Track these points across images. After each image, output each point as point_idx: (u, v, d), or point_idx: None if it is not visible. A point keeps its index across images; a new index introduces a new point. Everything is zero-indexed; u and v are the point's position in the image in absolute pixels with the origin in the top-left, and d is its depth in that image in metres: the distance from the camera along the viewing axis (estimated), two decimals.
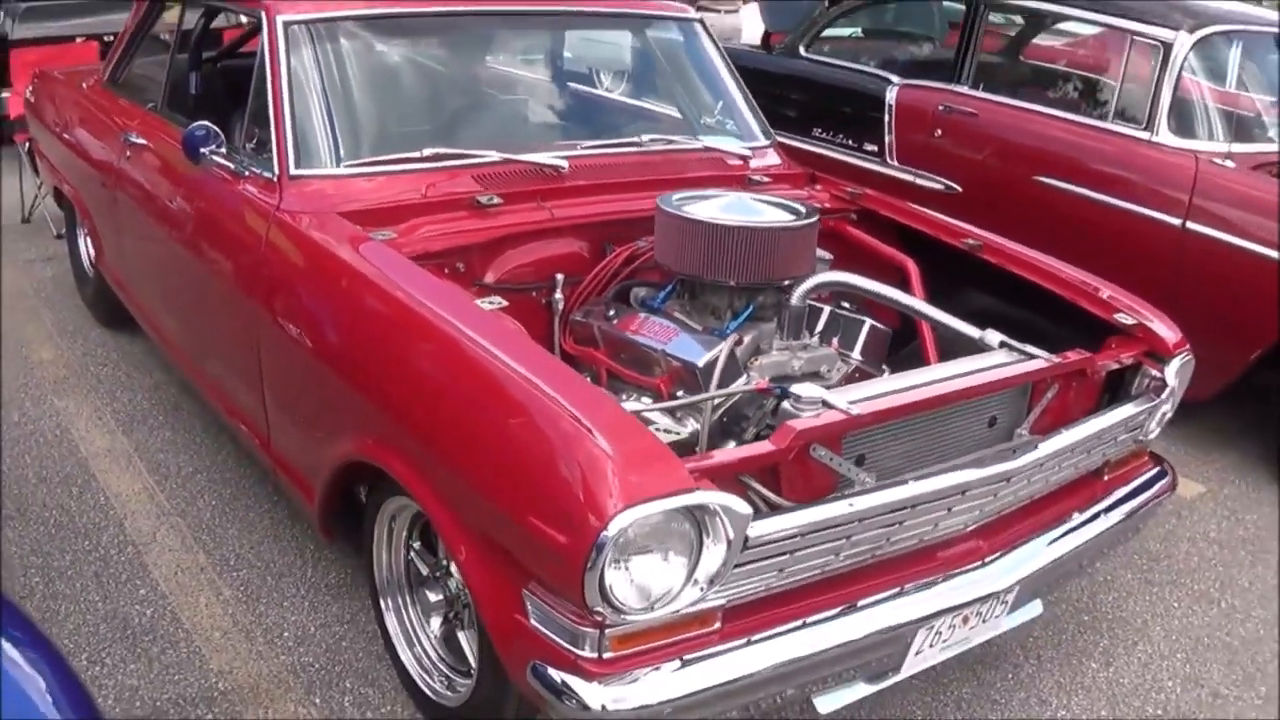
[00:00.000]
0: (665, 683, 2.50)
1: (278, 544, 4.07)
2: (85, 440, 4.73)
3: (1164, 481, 3.62)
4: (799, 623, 2.72)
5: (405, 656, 3.32)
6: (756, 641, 2.65)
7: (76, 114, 5.54)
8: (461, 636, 3.15)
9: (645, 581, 2.39)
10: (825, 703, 2.90)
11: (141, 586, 3.79)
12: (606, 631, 2.44)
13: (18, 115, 7.20)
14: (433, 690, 3.23)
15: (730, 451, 2.65)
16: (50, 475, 4.44)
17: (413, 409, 2.86)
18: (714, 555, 2.40)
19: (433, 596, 3.16)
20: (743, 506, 2.38)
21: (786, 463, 2.62)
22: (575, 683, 2.45)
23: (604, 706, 2.44)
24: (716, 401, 3.07)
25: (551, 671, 2.49)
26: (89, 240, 5.76)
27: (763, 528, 2.45)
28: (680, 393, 3.19)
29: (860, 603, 2.84)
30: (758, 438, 3.07)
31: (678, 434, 3.01)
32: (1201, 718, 3.54)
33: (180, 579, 3.84)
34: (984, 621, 3.12)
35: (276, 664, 3.47)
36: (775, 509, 2.58)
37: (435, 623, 3.28)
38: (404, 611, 3.35)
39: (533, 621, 2.54)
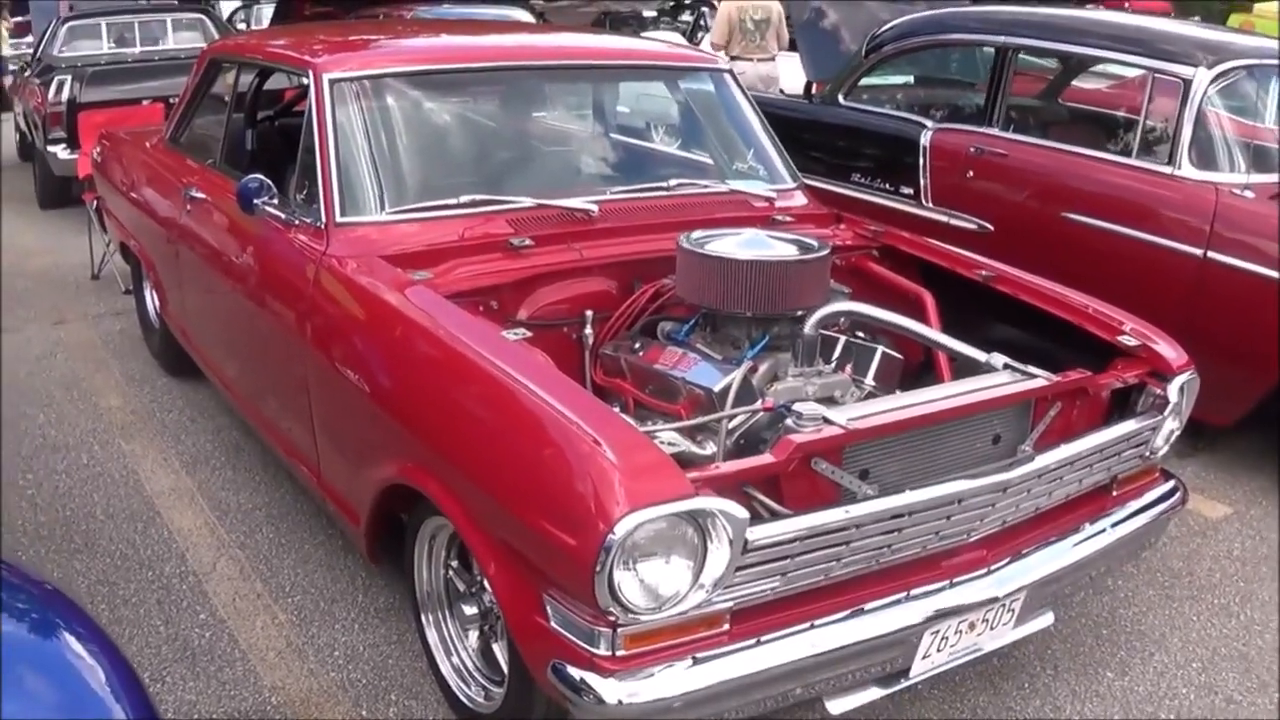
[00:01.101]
0: (678, 679, 2.70)
1: (330, 572, 4.31)
2: (150, 480, 5.01)
3: (1175, 497, 3.72)
4: (807, 625, 2.90)
5: (445, 668, 3.53)
6: (766, 642, 2.83)
7: (140, 172, 5.85)
8: (496, 648, 3.36)
9: (653, 583, 2.59)
10: (837, 705, 3.07)
11: (201, 612, 4.04)
12: (619, 630, 2.64)
13: (85, 175, 7.53)
14: (470, 699, 3.44)
15: (732, 464, 2.84)
16: (116, 512, 4.72)
17: (446, 434, 3.10)
18: (717, 559, 2.60)
19: (469, 610, 3.36)
20: (740, 511, 2.58)
21: (787, 474, 2.81)
22: (592, 679, 2.66)
23: (620, 701, 2.64)
24: (734, 424, 3.27)
25: (570, 669, 2.70)
26: (154, 293, 6.04)
27: (761, 532, 2.65)
28: (699, 417, 3.39)
29: (867, 606, 3.01)
30: None
31: (680, 447, 3.20)
32: None
33: (238, 604, 4.09)
34: (991, 629, 3.26)
35: (326, 680, 3.69)
36: (777, 517, 2.77)
37: (472, 636, 3.48)
38: (443, 625, 3.56)
39: (553, 624, 2.75)
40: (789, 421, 2.92)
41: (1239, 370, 5.02)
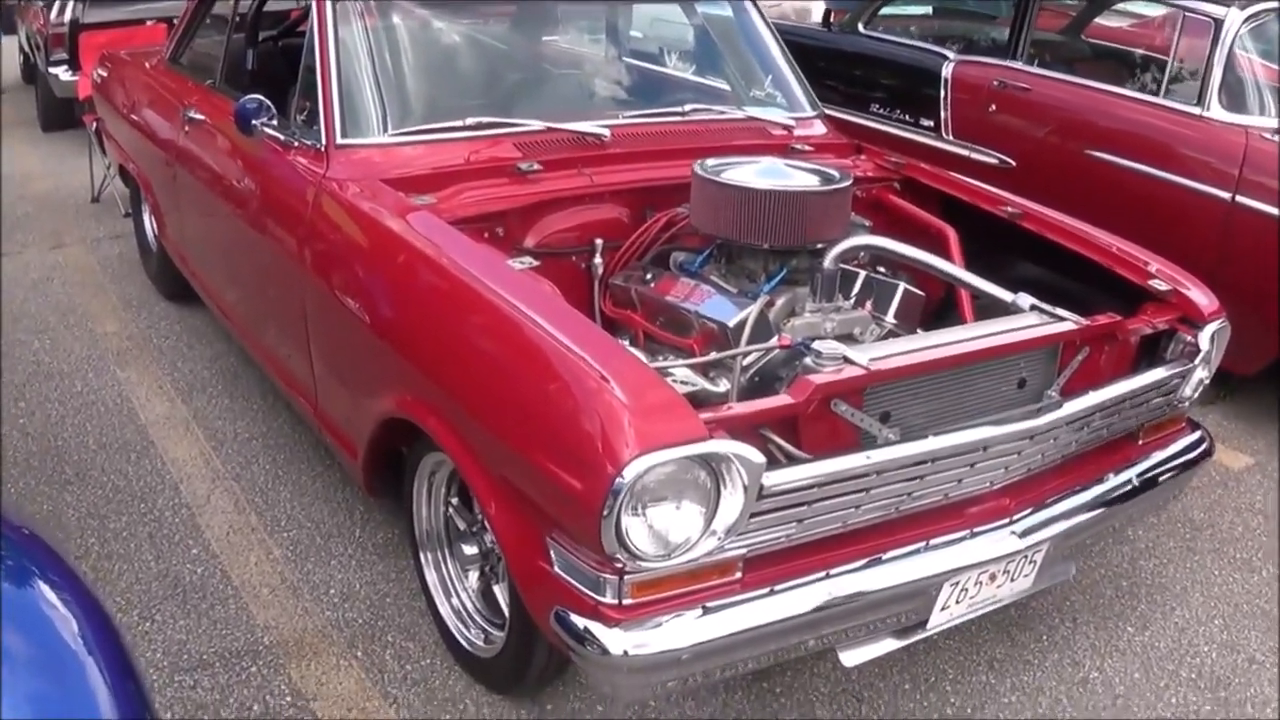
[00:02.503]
0: (686, 629, 2.56)
1: (328, 505, 4.18)
2: (145, 408, 4.88)
3: (1201, 448, 3.61)
4: (822, 573, 2.77)
5: (444, 609, 3.41)
6: (779, 591, 2.70)
7: (139, 93, 5.69)
8: (497, 590, 3.23)
9: (663, 530, 2.44)
10: (851, 657, 2.95)
11: (194, 546, 3.92)
12: (626, 578, 2.50)
13: (86, 97, 7.37)
14: (469, 642, 3.32)
15: (748, 404, 2.69)
16: (110, 442, 4.59)
17: (447, 367, 2.94)
18: (731, 505, 2.46)
19: (469, 550, 3.23)
20: (756, 456, 2.43)
21: (806, 417, 2.67)
22: (596, 628, 2.52)
23: (625, 652, 2.50)
24: (748, 361, 3.13)
25: (574, 618, 2.56)
26: (152, 216, 5.90)
27: (777, 478, 2.50)
28: (714, 353, 3.24)
29: (885, 556, 2.87)
30: None
31: (694, 386, 3.06)
32: (1235, 681, 3.54)
33: (232, 539, 3.96)
34: (1012, 580, 3.14)
35: (321, 619, 3.57)
36: (794, 461, 2.63)
37: (472, 576, 3.36)
38: (443, 566, 3.44)
39: (556, 569, 2.62)
40: (808, 360, 2.77)
41: (1263, 318, 4.88)
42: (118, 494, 4.22)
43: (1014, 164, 6.03)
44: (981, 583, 3.05)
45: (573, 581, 2.57)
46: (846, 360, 2.74)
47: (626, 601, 2.52)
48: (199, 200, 4.75)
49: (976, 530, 3.02)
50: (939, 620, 3.04)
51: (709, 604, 2.61)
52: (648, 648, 2.52)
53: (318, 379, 3.77)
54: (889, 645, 3.02)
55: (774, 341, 3.07)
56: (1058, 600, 3.81)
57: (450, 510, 3.34)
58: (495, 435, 2.71)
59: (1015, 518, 3.08)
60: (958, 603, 3.04)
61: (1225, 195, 5.11)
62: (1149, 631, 3.75)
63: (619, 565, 2.47)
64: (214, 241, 4.77)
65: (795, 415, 2.66)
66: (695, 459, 2.39)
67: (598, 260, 3.67)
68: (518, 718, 3.22)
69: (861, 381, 2.73)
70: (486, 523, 3.01)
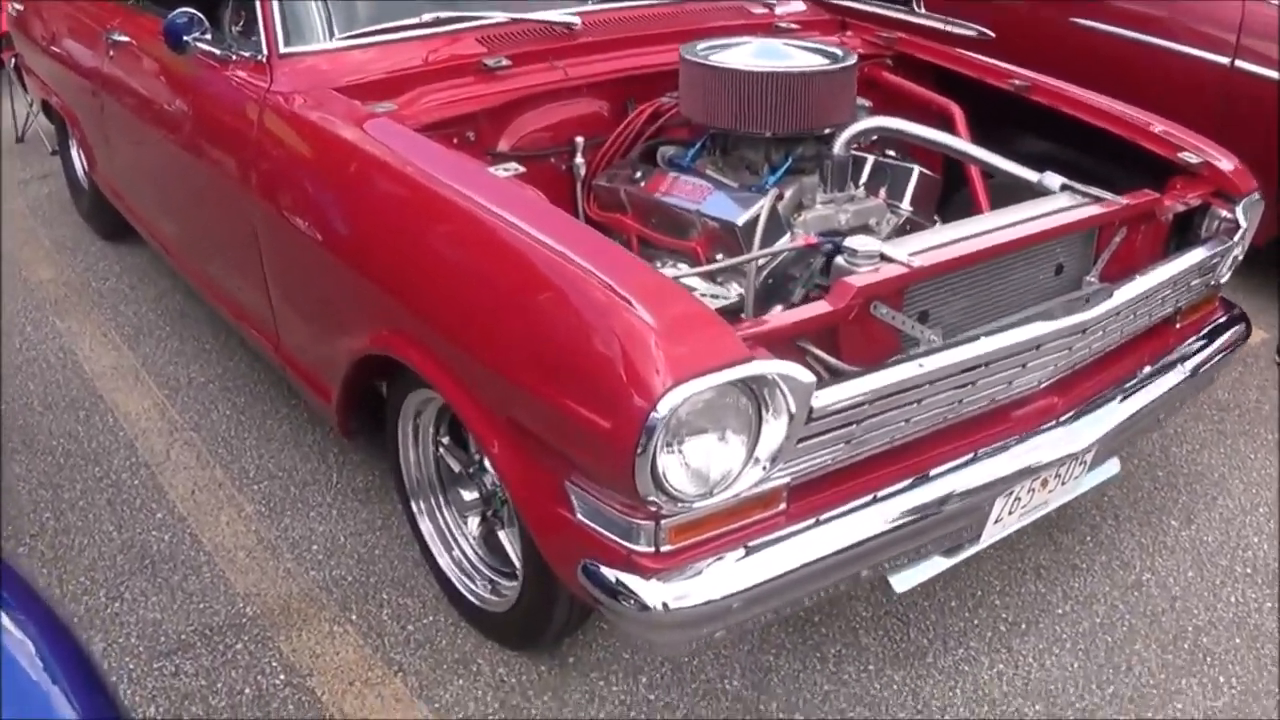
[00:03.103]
0: (730, 574, 2.26)
1: (298, 450, 3.84)
2: (90, 360, 4.48)
3: (1238, 327, 3.39)
4: (869, 497, 2.48)
5: (443, 561, 3.09)
6: (825, 521, 2.41)
7: (58, 22, 5.20)
8: (502, 535, 2.92)
9: (702, 465, 2.12)
10: (902, 580, 2.68)
11: (158, 510, 3.56)
12: (663, 523, 2.19)
13: (3, 33, 6.89)
14: (476, 596, 3.01)
15: (785, 315, 2.36)
16: (56, 401, 4.20)
17: (428, 293, 2.58)
18: (775, 430, 2.14)
19: (467, 495, 2.93)
20: (806, 375, 2.11)
21: (846, 324, 2.35)
22: (632, 581, 2.21)
23: (665, 605, 2.19)
24: (760, 263, 2.81)
25: (605, 570, 2.25)
26: (80, 152, 5.47)
27: (828, 397, 2.19)
28: (720, 255, 2.92)
29: (932, 472, 2.59)
30: (805, 299, 2.82)
31: (726, 299, 2.74)
32: None
33: (198, 498, 3.61)
34: (1063, 484, 2.89)
35: (307, 580, 3.25)
36: (837, 375, 2.31)
37: (473, 523, 3.05)
38: (438, 514, 3.12)
39: (579, 516, 2.30)
40: (840, 260, 2.45)
41: (1271, 187, 4.59)
42: (69, 459, 3.84)
43: (993, 35, 5.68)
44: (1034, 490, 2.79)
45: (600, 530, 2.25)
46: (884, 258, 2.42)
47: (665, 548, 2.21)
48: (130, 130, 4.33)
49: (1026, 435, 2.75)
50: (992, 534, 2.78)
51: (751, 542, 2.31)
52: (689, 599, 2.21)
53: (277, 313, 3.40)
54: (940, 565, 2.75)
55: (799, 240, 2.76)
56: (1095, 497, 3.56)
57: (441, 451, 3.02)
58: (494, 370, 2.36)
59: (1064, 418, 2.82)
60: (1010, 513, 2.78)
61: (1224, 61, 4.84)
62: (1195, 525, 3.51)
63: (654, 509, 2.15)
64: (150, 173, 4.36)
65: (836, 324, 2.34)
66: (737, 384, 2.06)
67: (579, 160, 3.35)
68: (539, 674, 2.92)
69: (904, 280, 2.42)
70: (489, 466, 2.69)
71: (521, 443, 2.40)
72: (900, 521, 2.48)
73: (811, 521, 2.39)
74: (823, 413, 2.19)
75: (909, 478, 2.55)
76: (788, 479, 2.32)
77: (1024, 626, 3.09)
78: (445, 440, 3.00)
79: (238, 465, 3.77)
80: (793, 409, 2.11)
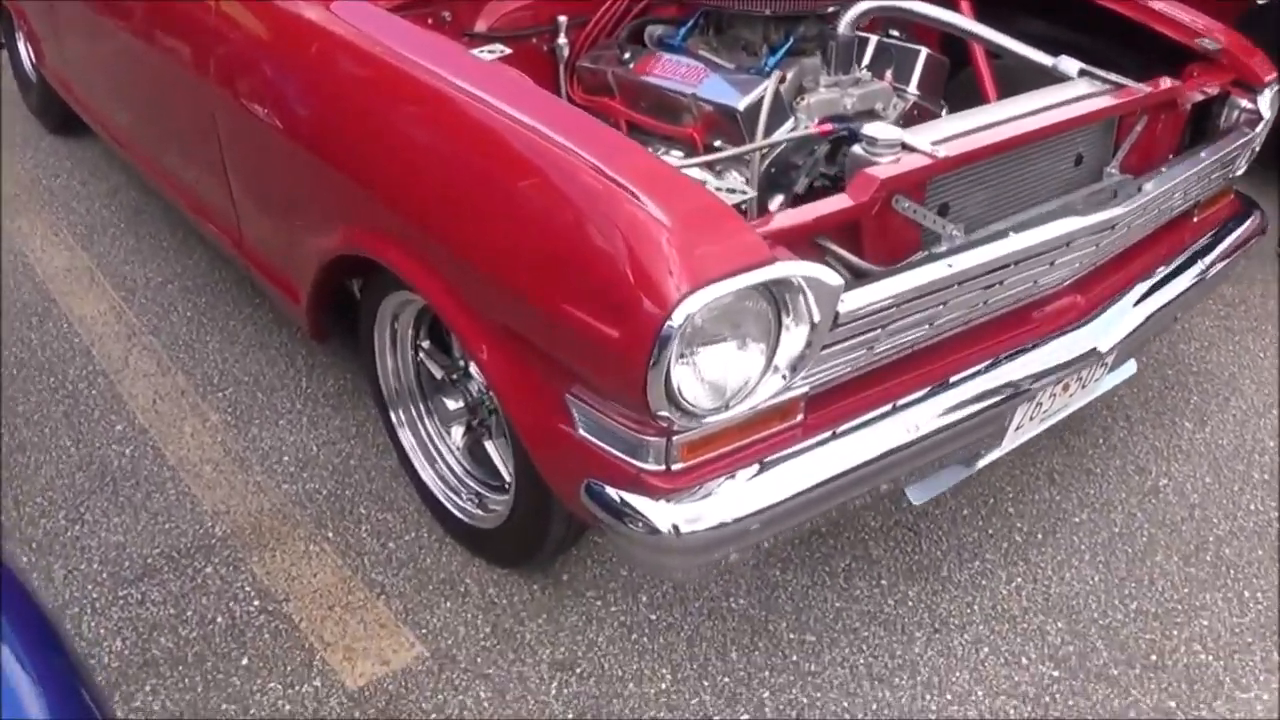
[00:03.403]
0: (744, 494, 2.09)
1: (264, 353, 3.63)
2: (42, 261, 4.22)
3: (1256, 220, 3.22)
4: (888, 406, 2.30)
5: (426, 475, 2.91)
6: (842, 434, 2.23)
7: None
8: (489, 446, 2.74)
9: (718, 375, 1.94)
10: (919, 492, 2.55)
11: (118, 422, 3.35)
12: (674, 439, 2.00)
13: None
14: (463, 511, 2.83)
15: (803, 210, 2.14)
16: (6, 306, 3.94)
17: (406, 186, 2.34)
18: (796, 337, 1.95)
19: (451, 404, 2.74)
20: (832, 278, 1.91)
21: (869, 219, 2.16)
22: (640, 502, 2.04)
23: (675, 528, 2.02)
24: (763, 151, 2.61)
25: (610, 491, 2.07)
26: (27, 43, 5.18)
27: (856, 300, 1.99)
28: (719, 142, 2.71)
29: (953, 379, 2.41)
30: (810, 189, 2.63)
31: (744, 193, 2.53)
32: None
33: (160, 408, 3.40)
34: (1084, 388, 2.74)
35: (279, 495, 3.05)
36: (860, 276, 2.12)
37: (457, 434, 2.86)
38: (420, 424, 2.93)
39: (581, 432, 2.11)
40: (857, 149, 2.25)
41: None
42: (23, 369, 3.60)
43: None
44: (1055, 394, 2.63)
45: (605, 447, 2.07)
46: (905, 147, 2.22)
47: (676, 466, 2.03)
48: (80, 18, 4.03)
49: (1047, 336, 2.58)
50: (1012, 440, 2.62)
51: (766, 458, 2.13)
52: (702, 521, 2.04)
53: (239, 208, 3.17)
54: (959, 474, 2.61)
55: (811, 127, 2.55)
56: (1105, 397, 3.38)
57: (421, 356, 2.82)
58: (482, 269, 2.15)
59: (1087, 318, 2.65)
60: (1031, 419, 2.62)
61: None
62: (1209, 427, 3.37)
63: (665, 424, 1.96)
64: (101, 62, 4.08)
65: (858, 219, 2.14)
66: (758, 288, 1.87)
67: (562, 40, 3.11)
68: (531, 594, 2.75)
69: (929, 172, 2.22)
70: (480, 375, 2.50)
71: (514, 349, 2.21)
72: (923, 431, 2.31)
73: (829, 434, 2.22)
74: (850, 318, 1.99)
75: (928, 385, 2.38)
76: (806, 389, 2.14)
77: (1040, 537, 2.94)
78: (426, 345, 2.80)
79: (200, 371, 3.56)
80: (815, 316, 1.92)
